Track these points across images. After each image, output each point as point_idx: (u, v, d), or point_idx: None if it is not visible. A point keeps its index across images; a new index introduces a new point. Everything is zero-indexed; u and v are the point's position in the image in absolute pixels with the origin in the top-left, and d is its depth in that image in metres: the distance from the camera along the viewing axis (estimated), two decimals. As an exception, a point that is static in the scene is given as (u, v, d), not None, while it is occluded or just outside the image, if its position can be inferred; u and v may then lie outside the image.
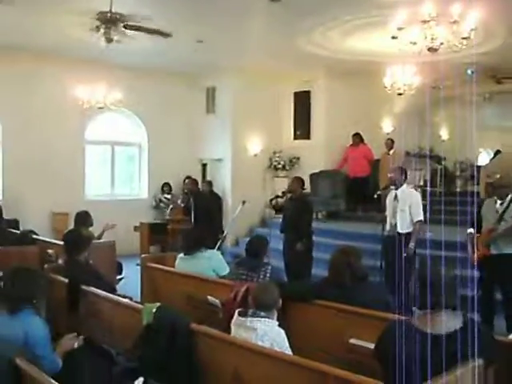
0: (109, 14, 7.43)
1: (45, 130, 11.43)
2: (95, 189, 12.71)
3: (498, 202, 6.37)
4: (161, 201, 12.91)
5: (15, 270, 3.92)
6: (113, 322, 4.70)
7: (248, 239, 6.25)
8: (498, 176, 6.73)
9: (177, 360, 3.73)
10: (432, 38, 5.70)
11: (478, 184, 12.79)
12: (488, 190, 12.58)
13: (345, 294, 4.29)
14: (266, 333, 3.62)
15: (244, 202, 10.51)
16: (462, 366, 2.59)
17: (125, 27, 7.55)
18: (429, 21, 5.44)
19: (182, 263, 6.12)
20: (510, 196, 6.37)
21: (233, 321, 3.86)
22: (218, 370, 3.56)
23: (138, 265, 10.73)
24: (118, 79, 10.56)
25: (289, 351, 3.62)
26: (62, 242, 8.27)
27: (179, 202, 11.99)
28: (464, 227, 6.57)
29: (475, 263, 6.09)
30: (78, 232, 6.03)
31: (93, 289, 5.02)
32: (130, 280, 7.81)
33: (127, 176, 13.78)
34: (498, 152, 16.06)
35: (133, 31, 7.82)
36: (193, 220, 9.74)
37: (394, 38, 5.97)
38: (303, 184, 8.66)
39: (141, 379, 3.46)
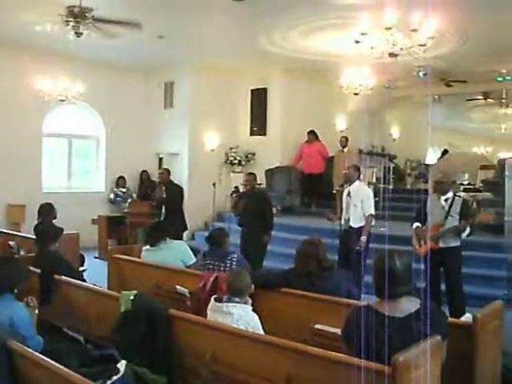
0: (78, 8, 7.48)
1: (2, 121, 11.34)
2: (52, 181, 12.63)
3: (442, 198, 6.73)
4: (117, 195, 12.97)
5: None
6: (87, 311, 4.83)
7: (208, 232, 6.43)
8: (441, 174, 7.13)
9: (156, 344, 3.93)
10: (393, 44, 6.02)
11: (427, 182, 13.33)
12: (436, 188, 13.17)
13: (312, 282, 4.57)
14: (241, 317, 3.86)
15: (214, 184, 10.74)
16: (423, 341, 2.91)
17: (94, 19, 7.59)
18: (390, 28, 5.74)
19: (149, 255, 6.26)
20: (451, 192, 6.78)
21: (209, 306, 4.08)
22: (197, 352, 3.76)
23: (96, 257, 10.91)
24: (79, 72, 10.60)
25: (262, 333, 3.87)
26: (23, 234, 8.40)
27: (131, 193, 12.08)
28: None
29: (425, 255, 6.41)
30: (51, 223, 6.11)
31: (66, 278, 5.15)
32: (91, 272, 7.89)
33: (84, 169, 13.75)
34: (445, 151, 16.70)
35: (101, 23, 7.85)
36: (164, 211, 9.88)
37: (357, 42, 6.23)
38: (256, 179, 9.02)
39: (123, 362, 3.63)
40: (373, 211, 7.59)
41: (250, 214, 8.35)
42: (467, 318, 3.79)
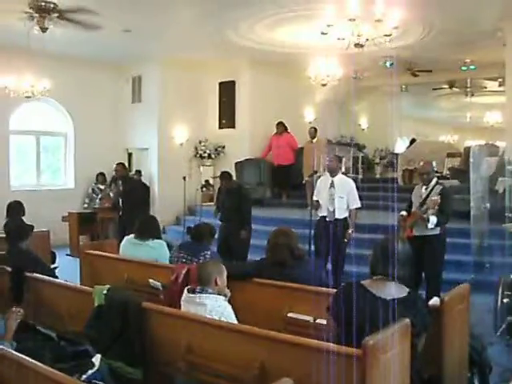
0: (43, 3, 7.39)
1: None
2: (21, 179, 12.53)
3: (423, 187, 6.74)
4: (93, 190, 12.87)
5: None
6: (60, 307, 4.80)
7: (192, 225, 6.42)
8: (422, 163, 7.12)
9: (131, 338, 3.94)
10: (358, 35, 6.09)
11: (396, 171, 13.51)
12: (405, 176, 13.38)
13: (284, 272, 4.62)
14: (214, 307, 3.88)
15: (185, 178, 11.01)
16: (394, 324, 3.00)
17: (59, 18, 7.53)
18: (355, 19, 5.81)
19: (129, 246, 6.23)
20: (433, 181, 6.75)
21: (182, 297, 4.09)
22: (172, 344, 3.79)
23: (67, 255, 10.83)
24: (45, 68, 10.44)
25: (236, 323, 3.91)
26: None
27: (108, 191, 12.04)
28: (390, 212, 7.00)
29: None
30: (20, 220, 6.07)
31: (38, 275, 5.11)
32: (63, 269, 7.85)
33: (53, 166, 13.62)
34: (413, 140, 16.95)
35: (65, 21, 7.79)
36: (121, 205, 9.89)
37: (323, 33, 6.29)
38: (231, 177, 9.14)
39: (98, 356, 3.64)
40: (359, 204, 7.65)
41: (229, 210, 8.51)
42: (435, 301, 3.88)
